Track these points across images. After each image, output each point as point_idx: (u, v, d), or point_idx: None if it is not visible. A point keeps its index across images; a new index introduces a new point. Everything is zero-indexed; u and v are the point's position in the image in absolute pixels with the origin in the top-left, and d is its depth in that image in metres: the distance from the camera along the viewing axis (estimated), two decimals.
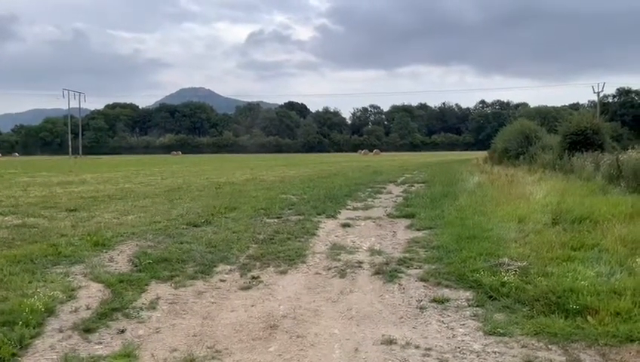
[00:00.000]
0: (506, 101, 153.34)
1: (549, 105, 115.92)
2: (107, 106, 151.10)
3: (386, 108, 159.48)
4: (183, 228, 8.78)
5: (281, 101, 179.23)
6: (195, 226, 9.05)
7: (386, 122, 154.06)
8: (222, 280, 5.82)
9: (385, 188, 17.95)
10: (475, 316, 4.57)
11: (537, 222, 8.47)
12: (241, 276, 6.00)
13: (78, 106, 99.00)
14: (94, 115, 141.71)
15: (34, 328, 4.17)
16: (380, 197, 14.71)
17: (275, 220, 10.00)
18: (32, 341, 3.99)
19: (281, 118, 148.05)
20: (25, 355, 3.78)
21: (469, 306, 4.84)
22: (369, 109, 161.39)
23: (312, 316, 4.67)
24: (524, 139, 28.80)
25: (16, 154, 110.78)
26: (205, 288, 5.53)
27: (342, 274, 6.08)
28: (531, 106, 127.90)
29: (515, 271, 5.57)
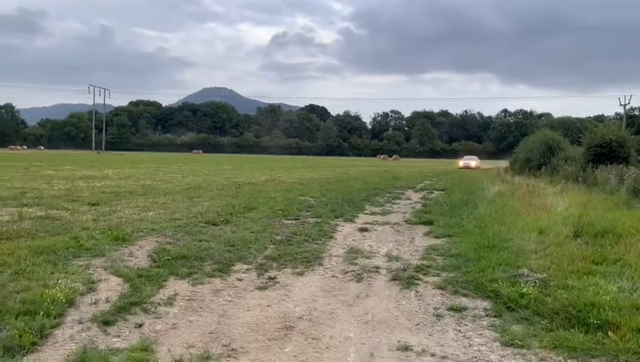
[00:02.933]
0: (529, 111, 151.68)
1: (573, 116, 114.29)
2: (131, 103, 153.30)
3: (407, 113, 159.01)
4: (202, 226, 8.86)
5: (302, 104, 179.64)
6: (214, 225, 9.12)
7: (406, 128, 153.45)
8: (239, 279, 5.86)
9: (403, 194, 17.88)
10: (492, 326, 4.52)
11: (558, 234, 8.34)
12: (258, 276, 6.03)
13: (102, 102, 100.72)
14: (118, 111, 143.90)
15: (54, 318, 4.24)
16: (399, 203, 14.65)
17: (293, 222, 10.03)
18: (52, 331, 4.06)
19: (302, 120, 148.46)
20: (45, 344, 3.85)
21: (487, 316, 4.78)
22: (390, 114, 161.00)
23: (328, 319, 4.67)
24: (546, 149, 28.39)
25: (42, 147, 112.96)
26: (222, 286, 5.57)
27: (358, 279, 6.07)
28: (555, 117, 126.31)
29: (535, 282, 5.50)
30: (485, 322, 4.64)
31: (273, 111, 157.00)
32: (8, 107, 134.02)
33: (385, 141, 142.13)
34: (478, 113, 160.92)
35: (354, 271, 6.40)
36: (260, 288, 5.57)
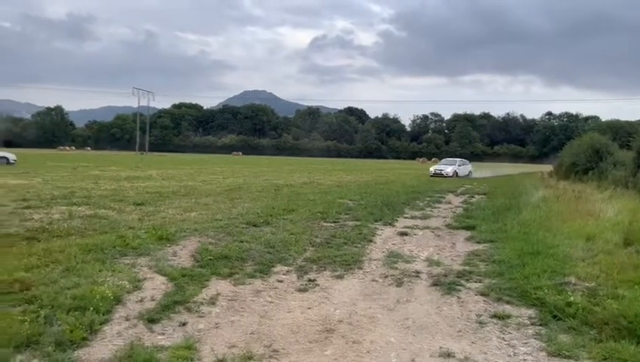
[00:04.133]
0: (574, 113, 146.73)
1: (622, 119, 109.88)
2: (173, 106, 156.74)
3: (447, 116, 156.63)
4: (243, 227, 8.97)
5: (340, 106, 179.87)
6: (255, 226, 9.22)
7: (446, 130, 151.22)
8: (279, 281, 5.90)
9: (444, 197, 17.62)
10: (538, 335, 4.41)
11: (607, 241, 8.05)
12: (298, 278, 6.07)
13: (146, 105, 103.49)
14: (161, 113, 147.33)
15: (103, 314, 4.39)
16: (439, 207, 14.46)
17: (332, 224, 10.04)
18: (101, 327, 4.20)
19: (340, 123, 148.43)
20: (94, 340, 3.98)
21: (532, 324, 4.66)
22: (429, 117, 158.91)
23: (368, 323, 4.66)
24: (593, 153, 27.43)
25: (89, 148, 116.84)
26: (263, 287, 5.63)
27: (398, 283, 6.02)
28: (603, 120, 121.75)
29: (583, 291, 5.33)
30: (530, 331, 4.52)
31: (312, 113, 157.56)
32: (58, 109, 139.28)
33: (424, 144, 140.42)
34: (521, 116, 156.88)
35: (394, 275, 6.36)
36: (300, 290, 5.60)
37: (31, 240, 7.21)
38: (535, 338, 4.34)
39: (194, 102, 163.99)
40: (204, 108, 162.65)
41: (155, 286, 5.34)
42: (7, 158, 31.94)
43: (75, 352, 3.72)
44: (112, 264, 5.99)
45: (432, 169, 37.27)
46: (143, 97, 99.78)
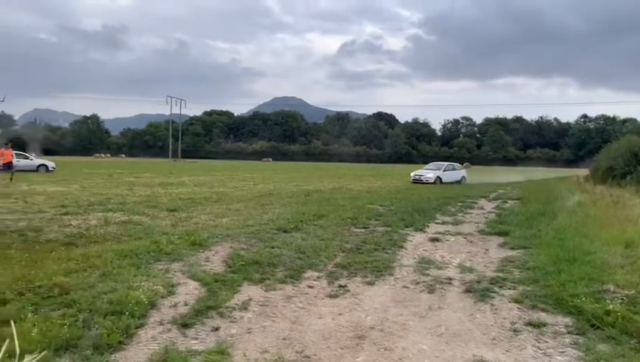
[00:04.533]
0: (611, 116, 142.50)
1: None
2: (205, 113, 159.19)
3: (478, 120, 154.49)
4: (274, 233, 9.04)
5: (370, 111, 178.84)
6: (285, 232, 9.28)
7: (478, 135, 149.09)
8: (310, 287, 5.92)
9: (476, 203, 17.37)
10: (575, 344, 4.29)
11: None
12: (329, 284, 6.07)
13: (179, 112, 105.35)
14: (193, 120, 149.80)
15: (138, 319, 4.48)
16: (471, 213, 14.25)
17: (362, 230, 10.01)
18: (137, 331, 4.29)
19: (370, 128, 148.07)
20: (130, 344, 4.06)
21: (569, 333, 4.55)
22: (460, 121, 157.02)
23: (400, 329, 4.62)
24: (632, 157, 26.59)
25: (123, 155, 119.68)
26: (294, 293, 5.65)
27: (430, 290, 5.96)
28: None
29: (622, 299, 5.17)
30: (567, 339, 4.41)
31: (341, 119, 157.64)
32: (94, 118, 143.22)
33: (455, 148, 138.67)
34: (555, 119, 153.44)
35: (426, 281, 6.30)
36: (330, 296, 5.61)
37: (69, 246, 7.44)
38: (572, 348, 4.23)
39: (225, 109, 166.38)
40: (235, 115, 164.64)
41: (189, 291, 5.43)
42: (46, 166, 33.00)
43: (112, 356, 3.81)
44: (147, 269, 6.12)
45: (412, 174, 32.34)
46: (175, 105, 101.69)
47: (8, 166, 23.46)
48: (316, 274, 6.46)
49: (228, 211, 12.21)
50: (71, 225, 9.47)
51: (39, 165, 32.73)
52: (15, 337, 0.94)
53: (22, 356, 0.84)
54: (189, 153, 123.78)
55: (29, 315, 4.34)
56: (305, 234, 9.07)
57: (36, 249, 7.16)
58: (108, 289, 5.17)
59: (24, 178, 23.29)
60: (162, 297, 5.15)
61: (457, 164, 35.65)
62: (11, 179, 21.53)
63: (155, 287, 5.35)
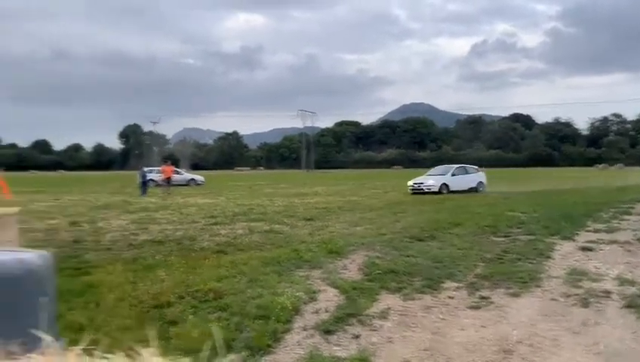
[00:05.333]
0: None
1: None
2: (335, 124, 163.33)
3: (630, 116, 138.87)
4: (408, 242, 8.96)
5: (504, 113, 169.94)
6: (420, 240, 9.15)
7: (631, 132, 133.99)
8: (450, 297, 5.77)
9: (633, 208, 15.58)
10: None
11: None
12: (469, 295, 5.87)
13: (310, 125, 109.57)
14: (324, 132, 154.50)
15: (284, 324, 4.73)
16: (628, 219, 12.82)
17: (503, 239, 9.51)
18: (283, 335, 4.52)
19: (505, 130, 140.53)
20: (277, 347, 4.30)
21: None
22: (610, 118, 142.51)
23: (551, 345, 4.32)
24: None
25: (261, 168, 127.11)
26: (433, 303, 5.55)
27: (584, 303, 5.48)
28: None
29: None
30: None
31: (473, 122, 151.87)
32: (234, 134, 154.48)
33: (604, 148, 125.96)
34: None
35: (578, 294, 5.80)
36: (472, 307, 5.41)
37: (219, 253, 8.07)
38: None
39: (354, 119, 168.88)
40: (364, 124, 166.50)
41: (329, 298, 5.59)
42: (195, 180, 36.25)
43: (263, 358, 4.06)
44: (289, 276, 6.42)
45: (410, 183, 24.75)
46: (307, 118, 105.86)
47: (167, 181, 26.17)
48: (455, 284, 6.28)
49: (361, 220, 12.37)
50: (220, 234, 10.28)
51: (190, 179, 36.04)
52: (216, 338, 1.06)
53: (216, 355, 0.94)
54: (321, 164, 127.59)
55: (190, 317, 4.79)
56: (441, 243, 8.86)
57: (192, 256, 7.87)
58: (255, 294, 5.51)
59: (178, 191, 25.80)
60: (304, 303, 5.37)
61: (472, 167, 27.64)
62: (169, 192, 23.98)
63: (297, 294, 5.60)
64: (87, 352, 0.86)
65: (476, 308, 5.39)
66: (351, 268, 6.98)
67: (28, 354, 0.86)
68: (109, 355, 0.86)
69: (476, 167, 27.37)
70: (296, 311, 5.12)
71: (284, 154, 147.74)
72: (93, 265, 7.18)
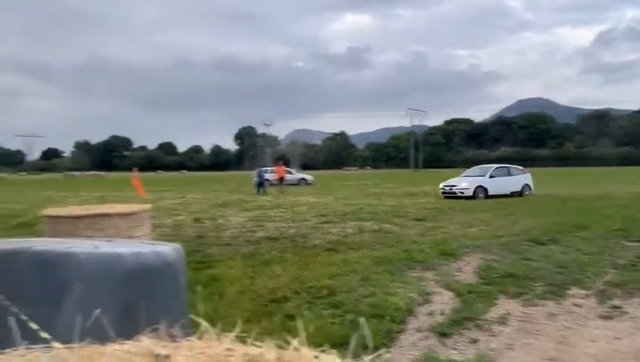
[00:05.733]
0: None
1: None
2: (445, 122, 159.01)
3: None
4: (527, 245, 8.49)
5: (634, 107, 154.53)
6: (540, 244, 8.63)
7: None
8: (576, 305, 5.37)
9: None
10: None
11: None
12: (599, 303, 5.41)
13: (419, 123, 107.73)
14: (432, 130, 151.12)
15: (398, 324, 4.69)
16: None
17: (637, 244, 8.66)
18: (397, 335, 4.49)
19: (636, 125, 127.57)
20: (392, 347, 4.28)
21: None
22: None
23: None
24: None
25: (368, 167, 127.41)
26: (557, 310, 5.20)
27: None
28: None
29: None
30: None
31: (599, 117, 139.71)
32: (342, 134, 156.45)
33: None
34: None
35: None
36: (603, 317, 4.99)
37: (331, 251, 8.22)
38: None
39: (465, 116, 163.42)
40: (476, 121, 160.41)
41: (443, 301, 5.46)
42: (305, 179, 37.30)
43: (385, 356, 4.06)
44: (401, 276, 6.37)
45: (441, 185, 21.93)
46: (415, 117, 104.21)
47: (281, 180, 27.27)
48: (583, 291, 5.82)
49: (475, 221, 11.93)
50: (331, 232, 10.47)
51: (300, 179, 37.15)
52: (367, 333, 1.08)
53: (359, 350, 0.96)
54: (429, 163, 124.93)
55: (305, 312, 4.93)
56: (564, 247, 8.28)
57: (305, 253, 8.10)
58: (368, 293, 5.54)
59: (290, 191, 26.72)
60: (418, 305, 5.29)
61: (516, 167, 23.82)
62: (282, 191, 24.93)
63: (410, 294, 5.53)
64: (240, 339, 0.92)
65: (608, 318, 4.96)
66: (466, 271, 6.76)
67: (187, 338, 0.94)
68: (259, 343, 0.91)
69: (521, 168, 24.03)
70: (410, 312, 5.06)
71: (391, 153, 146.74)
72: (216, 260, 7.66)
